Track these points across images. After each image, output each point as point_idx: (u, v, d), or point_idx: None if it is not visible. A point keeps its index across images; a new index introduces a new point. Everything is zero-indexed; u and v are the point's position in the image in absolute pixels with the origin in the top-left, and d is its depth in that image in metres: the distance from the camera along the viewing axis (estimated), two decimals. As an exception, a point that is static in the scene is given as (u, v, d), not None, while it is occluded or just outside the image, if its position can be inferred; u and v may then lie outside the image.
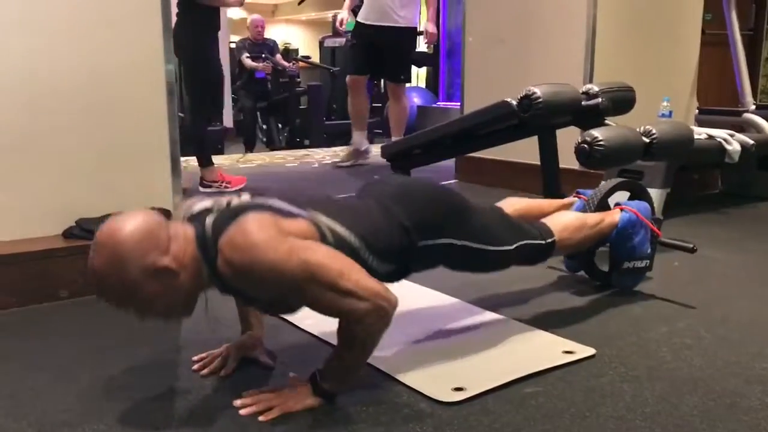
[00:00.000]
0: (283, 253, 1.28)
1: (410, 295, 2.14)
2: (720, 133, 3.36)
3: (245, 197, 1.45)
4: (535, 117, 2.50)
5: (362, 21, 4.66)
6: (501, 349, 1.71)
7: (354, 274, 1.32)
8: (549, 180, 2.70)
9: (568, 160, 2.72)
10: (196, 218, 1.39)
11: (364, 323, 1.32)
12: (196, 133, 3.83)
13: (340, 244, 1.41)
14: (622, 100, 2.67)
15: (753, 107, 4.34)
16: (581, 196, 2.19)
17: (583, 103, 2.59)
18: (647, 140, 2.41)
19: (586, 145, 2.29)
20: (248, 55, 7.32)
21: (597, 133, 2.29)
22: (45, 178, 2.19)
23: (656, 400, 1.44)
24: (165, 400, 1.46)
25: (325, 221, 1.42)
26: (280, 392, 1.43)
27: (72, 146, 2.22)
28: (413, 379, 1.52)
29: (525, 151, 3.05)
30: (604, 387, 1.51)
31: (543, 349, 1.70)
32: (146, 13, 2.31)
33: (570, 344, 1.72)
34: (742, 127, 4.06)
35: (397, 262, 1.54)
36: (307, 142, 7.42)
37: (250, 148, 7.13)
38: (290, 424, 1.34)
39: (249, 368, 1.60)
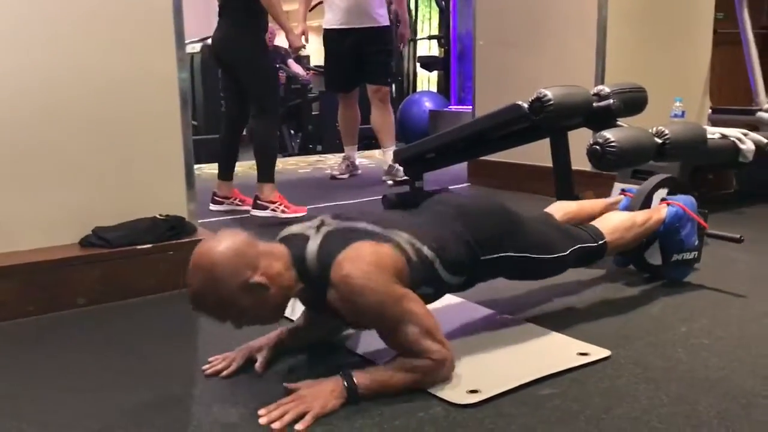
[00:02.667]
0: (394, 298, 1.44)
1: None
2: (734, 133, 3.34)
3: (332, 220, 1.59)
4: (546, 119, 2.50)
5: (337, 27, 4.32)
6: (515, 352, 1.71)
7: (438, 334, 1.49)
8: (562, 182, 2.70)
9: (581, 161, 2.71)
10: (289, 240, 1.55)
11: (428, 373, 1.48)
12: (267, 141, 3.38)
13: (419, 257, 1.54)
14: (633, 101, 2.67)
15: (767, 106, 4.31)
16: (627, 193, 2.29)
17: (594, 104, 2.59)
18: (660, 141, 2.40)
19: (598, 147, 2.29)
20: None
21: (609, 134, 2.29)
22: (61, 186, 2.22)
23: (672, 401, 1.44)
24: (181, 407, 1.48)
25: (406, 237, 1.56)
26: (301, 398, 1.42)
27: (88, 155, 2.25)
28: (428, 382, 1.52)
29: (536, 153, 3.05)
30: (619, 388, 1.50)
31: (558, 351, 1.70)
32: (160, 23, 2.33)
33: (585, 346, 1.72)
34: (756, 126, 4.04)
35: (465, 274, 1.67)
36: (319, 147, 7.44)
37: (263, 154, 7.15)
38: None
39: (267, 373, 1.61)
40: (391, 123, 4.58)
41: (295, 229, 1.60)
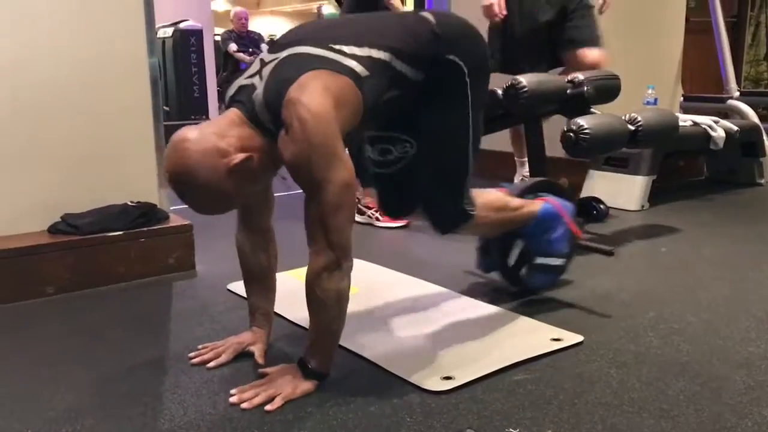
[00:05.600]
0: (333, 154, 1.32)
1: (396, 284, 2.15)
2: (705, 120, 3.39)
3: (270, 55, 1.46)
4: (521, 106, 2.50)
5: None
6: (489, 338, 1.71)
7: (345, 219, 1.36)
8: (536, 169, 2.70)
9: (557, 149, 2.73)
10: (238, 98, 1.43)
11: (320, 280, 1.36)
12: None
13: (371, 68, 1.43)
14: (607, 89, 2.68)
15: (737, 94, 4.38)
16: (502, 189, 2.03)
17: (568, 91, 2.60)
18: (632, 128, 2.42)
19: (572, 134, 2.30)
20: (237, 48, 7.30)
21: (582, 121, 2.30)
22: (29, 173, 2.17)
23: (643, 386, 1.45)
24: (154, 396, 1.46)
25: (351, 52, 1.43)
26: (273, 381, 1.43)
27: (56, 141, 2.20)
28: (402, 368, 1.53)
29: (499, 139, 3.03)
30: (592, 373, 1.52)
31: (531, 337, 1.71)
32: (130, 7, 2.28)
33: (558, 331, 1.73)
34: (727, 114, 4.10)
35: (424, 70, 1.54)
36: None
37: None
38: (280, 415, 1.34)
39: (243, 362, 1.60)
40: None
41: (240, 82, 1.47)
